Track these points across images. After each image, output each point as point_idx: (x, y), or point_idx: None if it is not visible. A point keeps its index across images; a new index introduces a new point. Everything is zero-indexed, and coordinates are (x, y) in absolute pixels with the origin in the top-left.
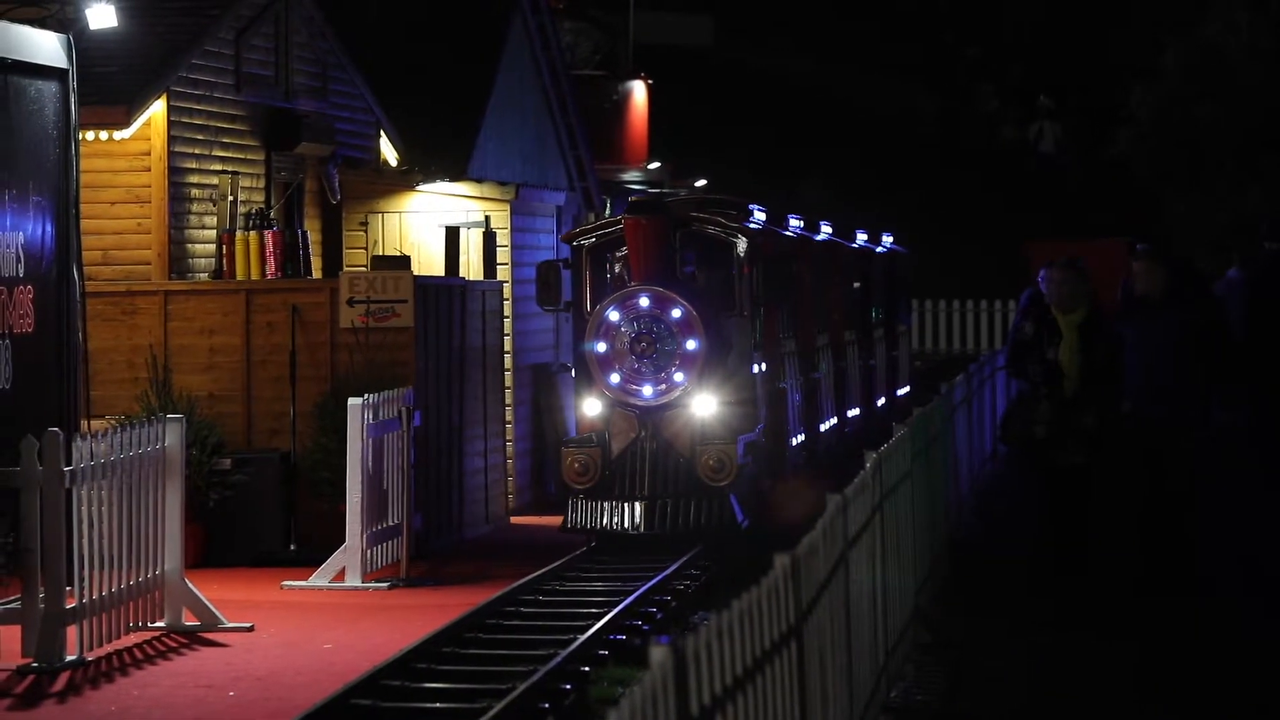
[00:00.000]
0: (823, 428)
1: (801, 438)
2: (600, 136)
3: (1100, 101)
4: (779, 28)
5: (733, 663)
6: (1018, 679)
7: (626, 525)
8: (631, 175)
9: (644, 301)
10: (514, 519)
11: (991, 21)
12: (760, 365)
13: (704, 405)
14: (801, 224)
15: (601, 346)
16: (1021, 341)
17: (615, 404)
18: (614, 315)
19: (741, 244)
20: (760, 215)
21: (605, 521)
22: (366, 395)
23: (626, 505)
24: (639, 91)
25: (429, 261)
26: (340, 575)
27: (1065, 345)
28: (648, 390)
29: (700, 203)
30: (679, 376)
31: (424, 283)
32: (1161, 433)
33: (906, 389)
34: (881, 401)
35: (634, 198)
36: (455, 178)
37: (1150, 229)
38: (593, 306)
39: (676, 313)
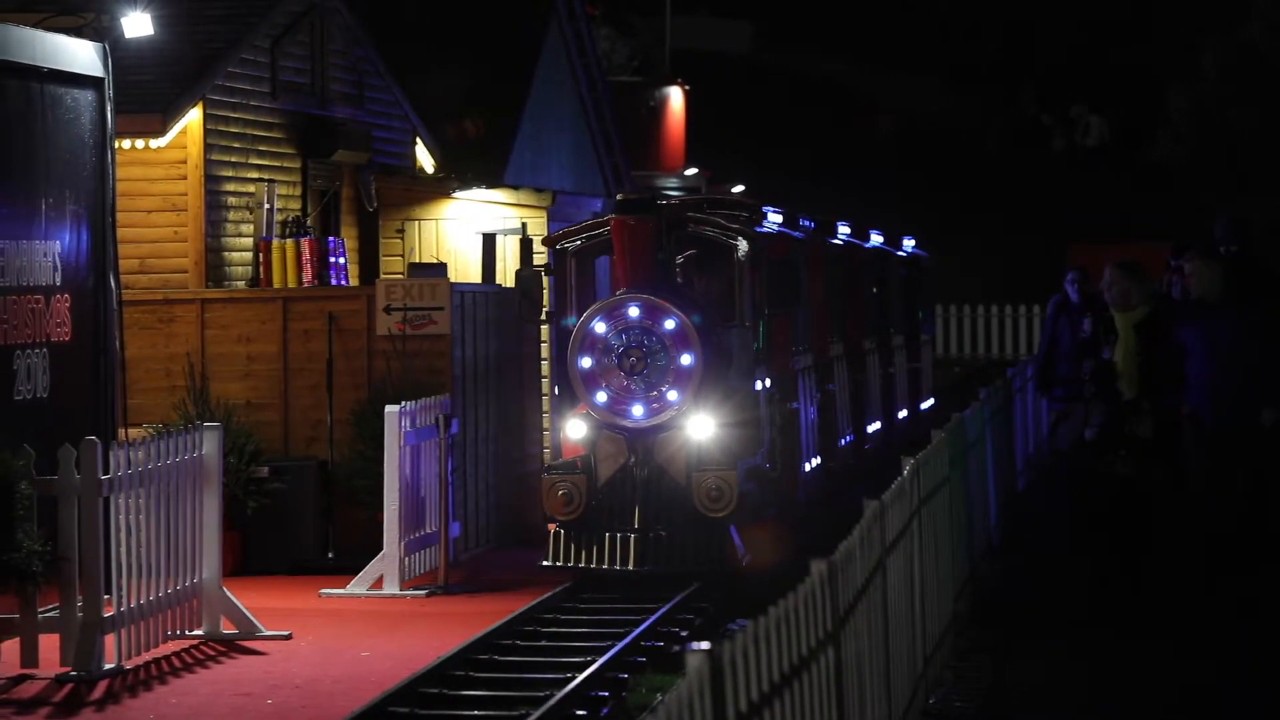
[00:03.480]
0: (839, 445)
1: (816, 461)
2: (637, 143)
3: (1137, 104)
4: (817, 32)
5: (769, 669)
6: (1058, 686)
7: (615, 563)
8: (669, 181)
9: (633, 311)
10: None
11: (1026, 22)
12: (764, 381)
13: (701, 427)
14: (814, 224)
15: (586, 361)
16: (1082, 341)
17: (602, 425)
18: (600, 327)
19: (742, 247)
20: (776, 217)
21: (590, 559)
22: (404, 403)
23: (614, 539)
24: (676, 97)
25: (466, 269)
26: (378, 583)
27: (1121, 345)
28: (638, 410)
29: (706, 203)
30: (673, 395)
31: (461, 290)
32: (1237, 437)
33: (930, 402)
34: (903, 415)
35: (622, 195)
36: (491, 185)
37: (1194, 232)
38: (578, 317)
39: (670, 324)
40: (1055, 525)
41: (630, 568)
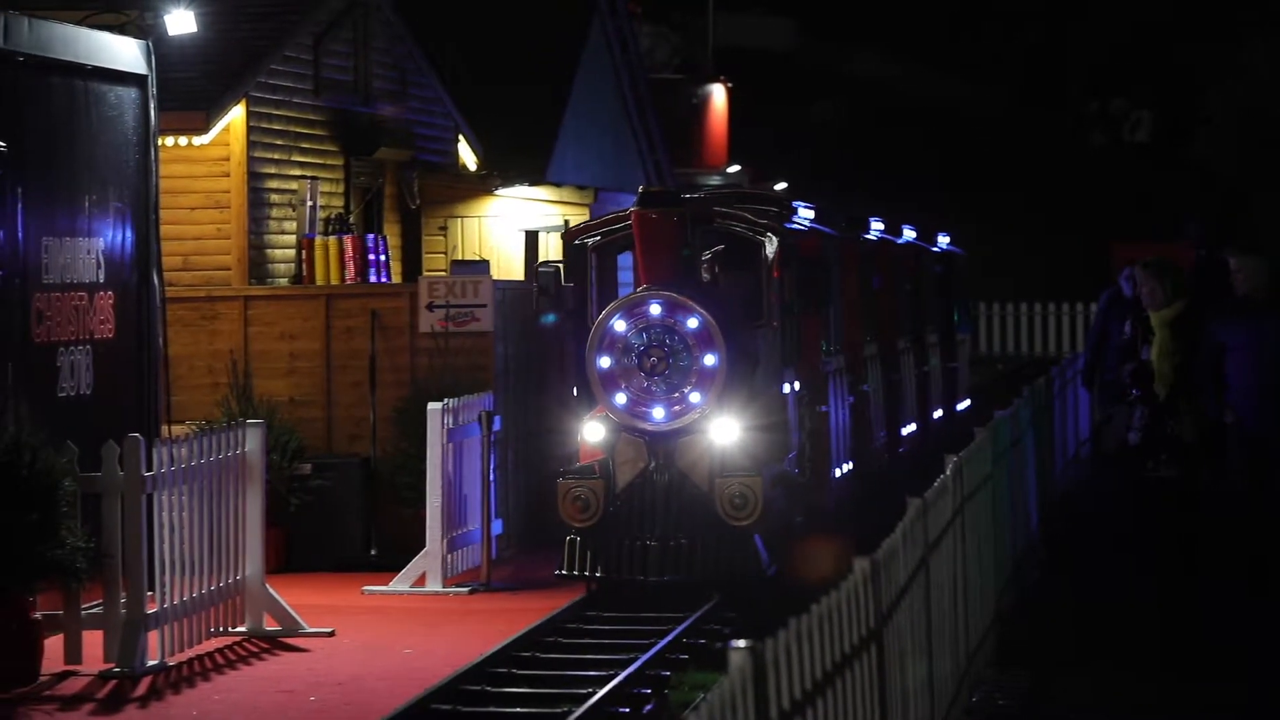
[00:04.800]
0: (872, 449)
1: (848, 466)
2: (679, 140)
3: (1177, 101)
4: (861, 30)
5: (812, 666)
6: (1101, 686)
7: (634, 572)
8: (711, 178)
9: (655, 309)
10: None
11: (1074, 20)
12: (793, 383)
13: (724, 430)
14: (846, 220)
15: (605, 361)
16: (1122, 344)
17: (621, 428)
18: (620, 325)
19: (771, 244)
20: (806, 213)
21: (608, 568)
22: (446, 400)
23: (633, 547)
24: (718, 95)
25: (508, 266)
26: (421, 580)
27: (1156, 345)
28: (659, 413)
29: (734, 197)
30: (695, 397)
31: (503, 287)
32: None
33: (967, 403)
34: (939, 415)
35: (645, 187)
36: (534, 182)
37: (1241, 229)
38: (598, 315)
39: (693, 322)
40: (1099, 527)
41: (648, 577)
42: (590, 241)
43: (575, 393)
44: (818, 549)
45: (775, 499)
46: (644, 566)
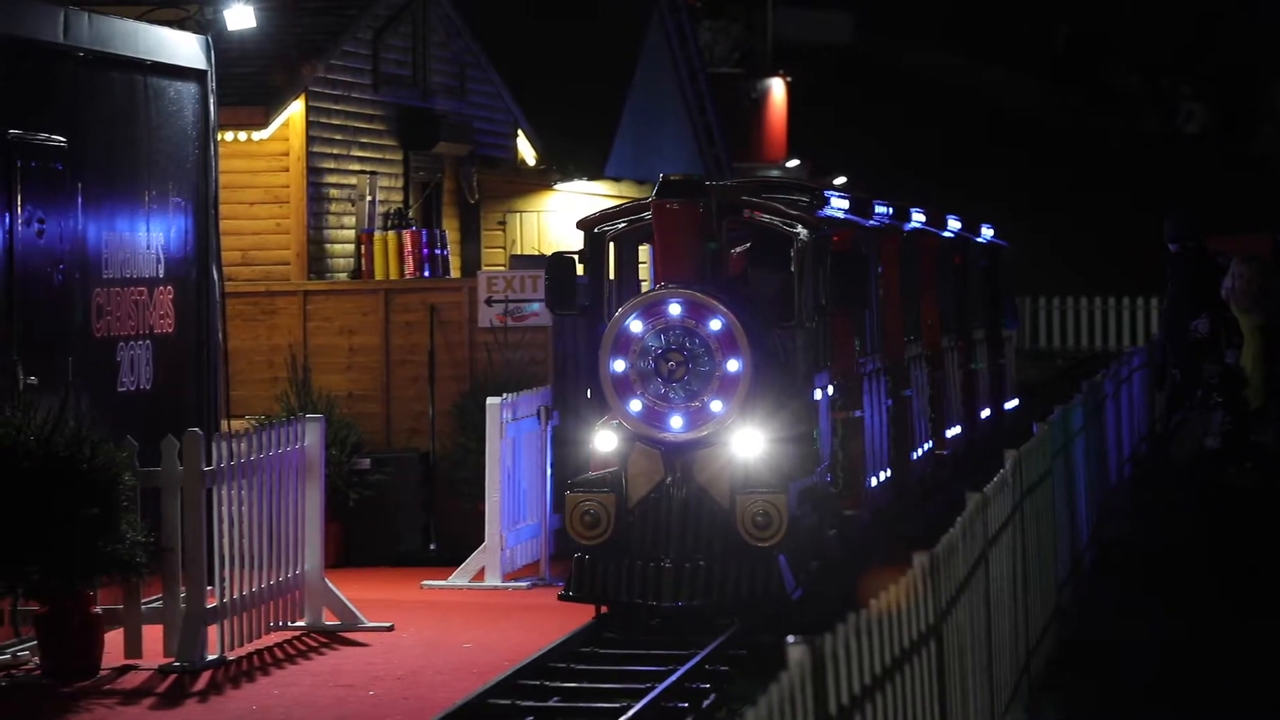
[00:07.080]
0: (915, 456)
1: (886, 474)
2: (738, 134)
3: (1237, 95)
4: (918, 24)
5: (871, 662)
6: (1163, 681)
7: (646, 595)
8: (769, 172)
9: (674, 309)
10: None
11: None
12: (826, 389)
13: (748, 442)
14: (889, 211)
15: (620, 365)
16: (1195, 341)
17: (636, 438)
18: (636, 325)
19: (803, 236)
20: (841, 202)
21: (619, 589)
22: (505, 395)
23: (646, 568)
24: (778, 89)
25: None
26: (480, 575)
27: (1247, 349)
28: (677, 422)
29: (763, 186)
30: (717, 405)
31: None
32: None
33: (1015, 402)
34: (986, 414)
35: (666, 174)
36: (593, 177)
37: None
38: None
39: (715, 324)
40: (1170, 527)
41: (662, 601)
42: (610, 230)
43: (589, 396)
44: (846, 565)
45: (802, 517)
46: (658, 590)
